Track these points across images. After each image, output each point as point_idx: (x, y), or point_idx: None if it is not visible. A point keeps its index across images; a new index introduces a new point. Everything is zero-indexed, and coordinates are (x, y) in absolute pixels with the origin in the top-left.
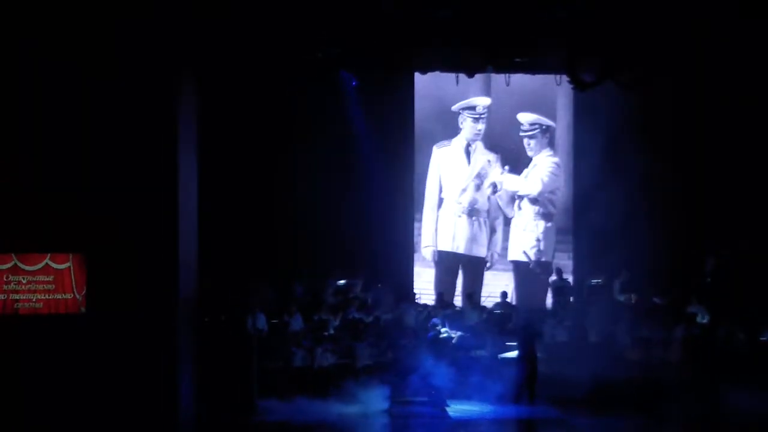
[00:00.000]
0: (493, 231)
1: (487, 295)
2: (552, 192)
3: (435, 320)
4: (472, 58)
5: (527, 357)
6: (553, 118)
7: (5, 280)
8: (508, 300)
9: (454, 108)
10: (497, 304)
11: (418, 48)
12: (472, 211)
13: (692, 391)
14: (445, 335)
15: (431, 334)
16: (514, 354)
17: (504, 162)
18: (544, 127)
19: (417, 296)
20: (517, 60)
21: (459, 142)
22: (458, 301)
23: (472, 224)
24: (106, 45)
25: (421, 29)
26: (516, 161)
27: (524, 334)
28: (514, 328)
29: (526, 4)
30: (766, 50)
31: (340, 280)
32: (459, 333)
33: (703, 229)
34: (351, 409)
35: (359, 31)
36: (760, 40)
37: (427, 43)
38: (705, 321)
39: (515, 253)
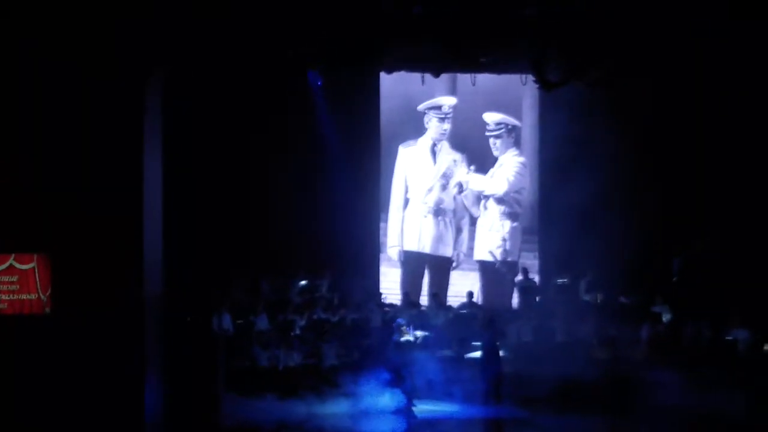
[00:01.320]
0: (459, 231)
1: (453, 294)
2: (518, 192)
3: (399, 320)
4: (438, 58)
5: (491, 357)
6: (518, 117)
7: None
8: (474, 300)
9: (420, 108)
10: (463, 304)
11: (385, 47)
12: (438, 211)
13: (658, 389)
14: (407, 338)
15: (395, 335)
16: (479, 354)
17: (470, 162)
18: (509, 126)
19: (383, 296)
20: (483, 59)
21: (425, 141)
22: (424, 300)
23: (438, 224)
24: (93, 42)
25: (387, 28)
26: (482, 161)
27: (487, 334)
28: (477, 329)
29: (492, 4)
30: (733, 46)
31: (305, 279)
32: (422, 333)
33: (669, 228)
34: (317, 409)
35: (327, 30)
36: (727, 35)
37: (393, 42)
38: (669, 319)
39: (481, 252)
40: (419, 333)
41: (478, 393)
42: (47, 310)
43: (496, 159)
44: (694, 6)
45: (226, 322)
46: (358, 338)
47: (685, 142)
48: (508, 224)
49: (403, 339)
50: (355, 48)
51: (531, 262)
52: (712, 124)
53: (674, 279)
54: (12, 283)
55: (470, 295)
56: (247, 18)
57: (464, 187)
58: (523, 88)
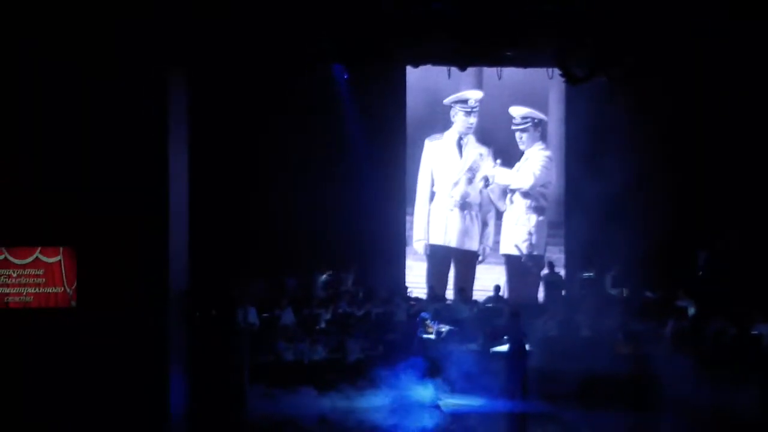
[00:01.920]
0: (485, 225)
1: (478, 289)
2: (544, 186)
3: (424, 314)
4: (464, 51)
5: (517, 352)
6: (545, 111)
7: None
8: (501, 294)
9: (446, 101)
10: (489, 298)
11: (411, 41)
12: (464, 205)
13: (683, 385)
14: (431, 332)
15: (420, 329)
16: (505, 348)
17: (496, 155)
18: (536, 120)
19: (408, 290)
20: (509, 53)
21: (451, 135)
22: (450, 294)
23: (464, 218)
24: (99, 43)
25: (413, 22)
26: (508, 155)
27: (513, 328)
28: (503, 324)
29: None
30: (758, 47)
31: (330, 273)
32: (447, 327)
33: (694, 223)
34: (342, 404)
35: (352, 24)
36: (751, 37)
37: (419, 36)
38: (694, 314)
39: (507, 246)
40: (444, 327)
41: (504, 387)
42: (73, 303)
43: (522, 153)
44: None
45: (252, 316)
46: (383, 332)
47: (710, 136)
48: (534, 218)
49: (427, 333)
50: (381, 42)
51: (557, 256)
52: (740, 118)
53: (699, 273)
54: (38, 276)
55: (497, 289)
56: (271, 12)
57: (490, 181)
58: (550, 81)
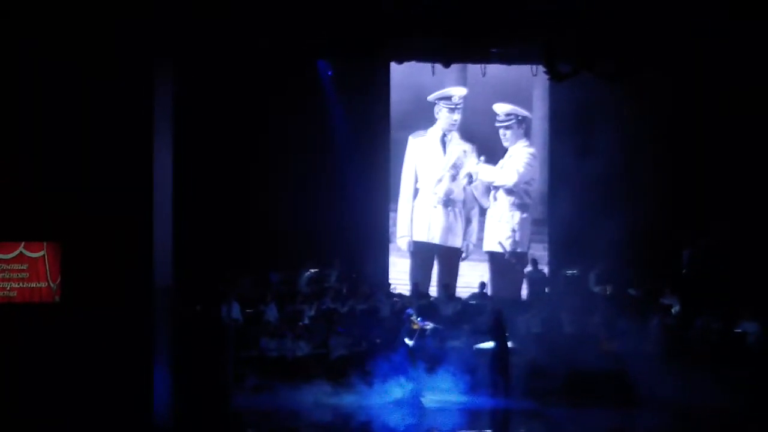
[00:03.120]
0: (468, 221)
1: (462, 285)
2: (527, 183)
3: (409, 311)
4: (448, 48)
5: (499, 348)
6: (529, 108)
7: None
8: (485, 291)
9: (430, 98)
10: (473, 295)
11: (395, 37)
12: (447, 202)
13: (668, 382)
14: (417, 328)
15: (406, 326)
16: (489, 345)
17: (480, 152)
18: (519, 117)
19: (392, 287)
20: (494, 50)
21: (435, 132)
22: (434, 291)
23: (447, 214)
24: (84, 38)
25: (397, 18)
26: (492, 152)
27: (496, 325)
28: (486, 322)
29: None
30: (741, 44)
31: (314, 269)
32: (432, 324)
33: (679, 220)
34: (326, 399)
35: (337, 21)
36: (737, 34)
37: (403, 33)
38: (679, 311)
39: (491, 243)
40: (429, 324)
41: (487, 384)
42: (57, 298)
43: (506, 150)
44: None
45: (235, 311)
46: (367, 328)
47: (695, 133)
48: (517, 215)
49: (413, 329)
50: (365, 38)
51: (540, 253)
52: (724, 115)
53: (684, 271)
54: (22, 270)
55: (482, 285)
56: (256, 9)
57: (474, 177)
58: (534, 79)
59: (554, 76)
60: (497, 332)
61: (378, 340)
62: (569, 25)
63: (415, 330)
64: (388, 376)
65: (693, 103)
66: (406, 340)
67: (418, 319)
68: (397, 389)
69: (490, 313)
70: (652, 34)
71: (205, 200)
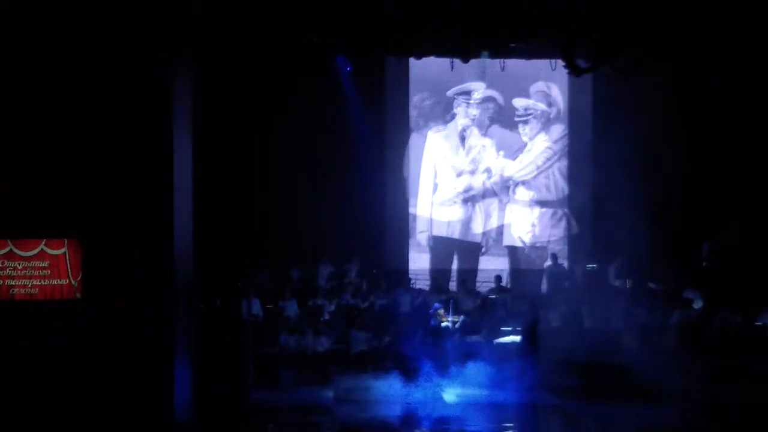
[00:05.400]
0: (487, 216)
1: (481, 280)
2: (547, 177)
3: (436, 305)
4: (467, 43)
5: (530, 343)
6: (547, 103)
7: (1, 266)
8: (503, 284)
9: (449, 93)
10: (491, 289)
11: (414, 33)
12: (467, 197)
13: (688, 376)
14: (446, 323)
15: (433, 320)
16: (509, 339)
17: (499, 147)
18: (538, 112)
19: (412, 282)
20: (513, 45)
21: (454, 127)
22: (453, 286)
23: (467, 209)
24: (104, 38)
25: (416, 14)
26: (511, 146)
27: (527, 320)
28: (516, 313)
29: None
30: (761, 42)
31: (334, 265)
32: (461, 318)
33: (699, 214)
34: (346, 395)
35: (356, 17)
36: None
37: (422, 28)
38: (700, 306)
39: (510, 238)
40: (456, 318)
41: (508, 378)
42: (78, 295)
43: (525, 144)
44: None
45: (256, 307)
46: (387, 324)
47: (717, 128)
48: (537, 209)
49: (442, 324)
50: (384, 35)
51: (560, 247)
52: (744, 110)
53: (704, 265)
54: (43, 268)
55: (498, 278)
56: (275, 7)
57: (493, 172)
58: (553, 73)
59: (573, 70)
60: (528, 326)
61: (398, 335)
62: (590, 21)
63: (442, 323)
64: (409, 371)
65: (717, 97)
66: (432, 334)
67: (447, 313)
68: (417, 384)
69: (524, 307)
70: (672, 26)
71: (225, 197)
